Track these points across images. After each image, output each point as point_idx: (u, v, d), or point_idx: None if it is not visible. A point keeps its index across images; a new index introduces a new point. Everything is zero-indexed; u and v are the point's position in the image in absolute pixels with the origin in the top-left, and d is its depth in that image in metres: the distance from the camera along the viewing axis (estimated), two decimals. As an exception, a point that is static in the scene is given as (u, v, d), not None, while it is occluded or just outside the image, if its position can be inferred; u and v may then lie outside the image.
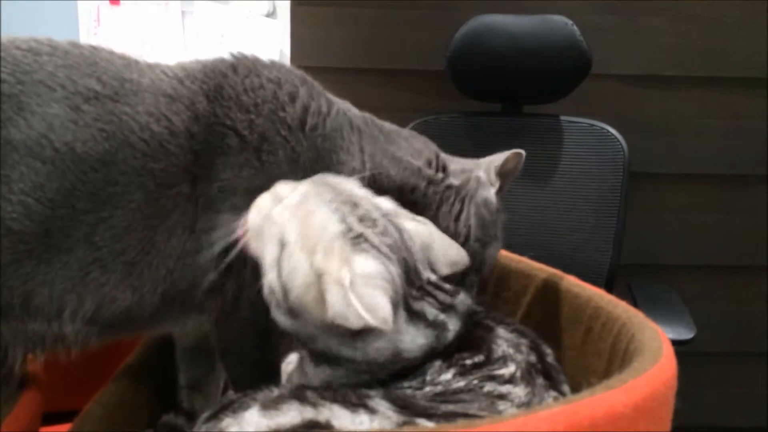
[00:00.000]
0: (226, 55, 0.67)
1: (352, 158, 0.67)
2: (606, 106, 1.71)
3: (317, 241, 0.50)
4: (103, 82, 0.58)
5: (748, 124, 1.75)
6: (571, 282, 0.67)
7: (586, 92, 1.55)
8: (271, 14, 1.61)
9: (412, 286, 0.53)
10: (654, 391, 0.42)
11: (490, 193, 0.72)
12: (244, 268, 0.61)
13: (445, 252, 0.57)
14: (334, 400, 0.45)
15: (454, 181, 0.73)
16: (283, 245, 0.52)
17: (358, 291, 0.47)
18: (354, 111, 0.72)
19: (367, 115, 0.73)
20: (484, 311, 0.59)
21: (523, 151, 0.73)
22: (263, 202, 0.56)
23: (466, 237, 0.70)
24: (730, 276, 1.84)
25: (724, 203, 1.80)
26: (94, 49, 0.61)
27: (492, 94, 1.59)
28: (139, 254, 0.58)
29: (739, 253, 1.82)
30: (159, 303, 0.60)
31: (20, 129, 0.53)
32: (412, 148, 0.72)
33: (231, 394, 0.65)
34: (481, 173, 0.74)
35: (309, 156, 0.64)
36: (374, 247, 0.50)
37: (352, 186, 0.57)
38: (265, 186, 0.61)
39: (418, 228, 0.57)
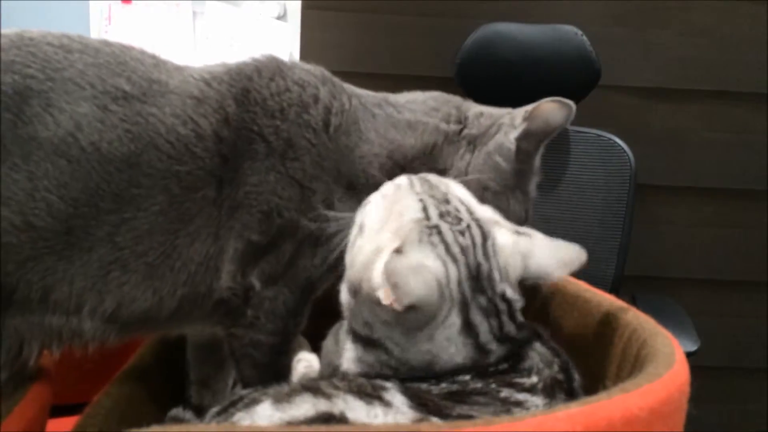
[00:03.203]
0: (248, 58, 0.67)
1: (371, 146, 0.66)
2: (613, 117, 1.71)
3: (391, 224, 0.52)
4: (132, 82, 0.58)
5: (753, 138, 1.76)
6: (581, 287, 0.67)
7: (594, 103, 1.55)
8: (281, 17, 1.62)
9: (481, 293, 0.52)
10: (669, 396, 0.42)
11: (508, 138, 0.67)
12: (270, 285, 0.61)
13: (555, 254, 0.55)
14: (349, 390, 0.45)
15: (473, 130, 0.69)
16: (361, 228, 0.54)
17: (399, 271, 0.46)
18: (369, 97, 0.70)
19: (380, 95, 0.71)
20: (526, 324, 0.58)
21: (570, 102, 0.65)
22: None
23: (476, 187, 0.65)
24: (731, 290, 1.84)
25: (728, 217, 1.80)
26: (125, 48, 0.60)
27: (500, 101, 1.58)
28: (160, 257, 0.58)
29: (741, 267, 1.83)
30: (177, 306, 0.60)
31: (47, 126, 0.53)
32: (427, 108, 0.70)
33: (240, 390, 0.65)
34: (506, 118, 0.69)
35: (334, 158, 0.64)
36: (444, 242, 0.50)
37: (454, 187, 0.57)
38: (291, 189, 0.61)
39: (516, 239, 0.55)
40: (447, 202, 0.54)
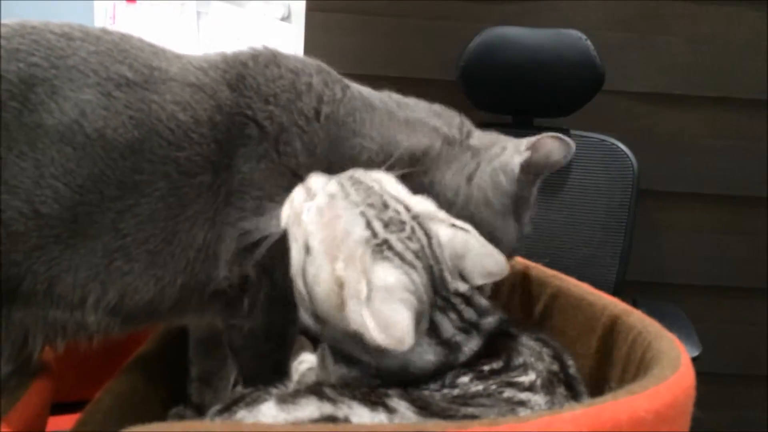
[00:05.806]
0: (245, 47, 0.67)
1: (364, 139, 0.65)
2: (616, 122, 1.71)
3: (340, 247, 0.50)
4: (134, 69, 0.58)
5: (756, 145, 1.76)
6: (586, 290, 0.67)
7: (596, 107, 1.56)
8: (286, 18, 1.62)
9: (437, 295, 0.52)
10: (675, 399, 0.42)
11: (514, 160, 0.66)
12: (263, 275, 0.61)
13: (482, 261, 0.55)
14: (353, 397, 0.44)
15: (476, 142, 0.68)
16: (307, 250, 0.51)
17: (376, 307, 0.46)
18: (373, 93, 0.70)
19: (386, 93, 0.71)
20: (508, 319, 0.58)
21: (571, 141, 0.65)
22: (296, 195, 0.56)
23: (478, 202, 0.66)
24: (733, 296, 1.84)
25: (729, 223, 1.80)
26: (124, 36, 0.61)
27: (503, 106, 1.60)
28: (161, 243, 0.58)
29: (742, 274, 1.82)
30: (178, 295, 0.60)
31: (53, 114, 0.53)
32: (432, 111, 0.69)
33: (241, 388, 0.65)
34: (510, 143, 0.68)
35: (325, 146, 0.63)
36: (397, 254, 0.49)
37: (386, 183, 0.56)
38: (283, 178, 0.61)
39: (454, 234, 0.55)
40: (386, 206, 0.52)
